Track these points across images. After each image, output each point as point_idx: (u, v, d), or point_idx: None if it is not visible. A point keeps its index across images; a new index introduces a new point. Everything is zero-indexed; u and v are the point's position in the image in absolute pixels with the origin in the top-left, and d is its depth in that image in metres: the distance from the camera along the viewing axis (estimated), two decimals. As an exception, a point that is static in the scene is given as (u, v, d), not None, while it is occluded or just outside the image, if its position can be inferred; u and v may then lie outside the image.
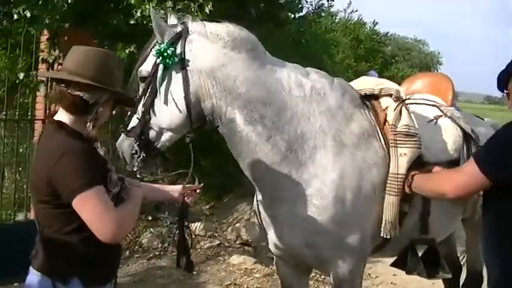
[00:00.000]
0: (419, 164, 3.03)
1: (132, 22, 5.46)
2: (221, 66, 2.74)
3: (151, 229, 6.77)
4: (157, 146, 2.83)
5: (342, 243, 2.94)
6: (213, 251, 6.59)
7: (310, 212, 2.87)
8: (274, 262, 3.60)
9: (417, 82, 4.15)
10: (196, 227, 6.86)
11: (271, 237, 3.14)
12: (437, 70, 23.30)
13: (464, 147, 3.26)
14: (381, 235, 2.98)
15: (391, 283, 5.87)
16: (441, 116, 3.49)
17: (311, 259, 3.10)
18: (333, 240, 2.93)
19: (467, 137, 3.36)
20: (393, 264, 3.44)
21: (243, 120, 2.79)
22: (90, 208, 2.10)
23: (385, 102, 3.18)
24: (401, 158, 2.96)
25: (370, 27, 20.77)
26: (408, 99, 3.33)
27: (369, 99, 3.22)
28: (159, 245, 6.47)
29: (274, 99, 2.83)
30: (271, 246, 3.25)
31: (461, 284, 4.20)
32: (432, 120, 3.43)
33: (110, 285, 2.39)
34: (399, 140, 2.99)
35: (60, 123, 2.25)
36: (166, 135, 2.82)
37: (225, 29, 2.81)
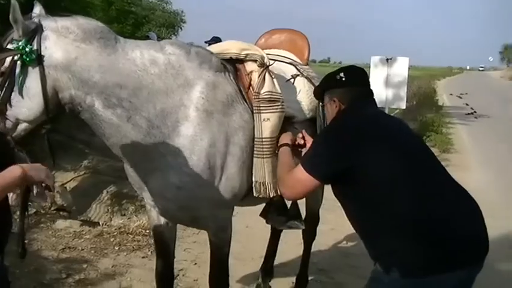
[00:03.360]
0: (288, 123, 3.34)
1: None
2: (75, 59, 2.80)
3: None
4: (13, 136, 2.83)
5: (215, 204, 3.20)
6: (32, 219, 6.39)
7: (183, 180, 3.05)
8: (147, 211, 3.74)
9: (275, 36, 4.25)
10: (10, 197, 6.62)
11: (146, 196, 3.36)
12: (181, 28, 24.28)
13: (320, 107, 3.24)
14: (254, 195, 3.24)
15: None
16: (298, 75, 3.73)
17: (185, 219, 3.40)
18: (207, 202, 3.17)
19: None
20: (260, 215, 3.83)
21: (102, 105, 2.90)
22: None
23: (250, 67, 3.35)
24: (265, 123, 3.18)
25: (118, -12, 20.53)
26: (270, 61, 3.42)
27: (233, 63, 3.38)
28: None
29: (129, 81, 2.92)
30: (147, 200, 3.45)
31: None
32: (290, 79, 3.67)
33: None
34: (262, 106, 3.20)
35: None
36: (22, 126, 2.82)
37: (74, 22, 2.86)
